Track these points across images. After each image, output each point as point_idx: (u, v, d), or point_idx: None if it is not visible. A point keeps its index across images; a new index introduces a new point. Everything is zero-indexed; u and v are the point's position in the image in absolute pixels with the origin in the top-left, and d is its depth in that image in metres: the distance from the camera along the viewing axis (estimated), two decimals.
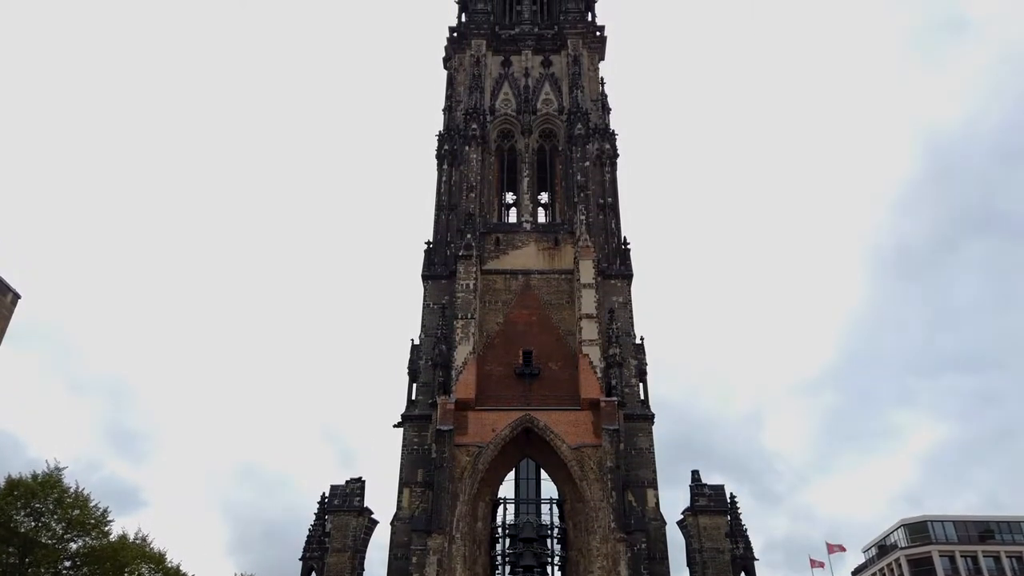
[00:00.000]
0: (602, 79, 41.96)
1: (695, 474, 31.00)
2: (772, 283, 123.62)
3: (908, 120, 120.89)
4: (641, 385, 33.34)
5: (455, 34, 42.86)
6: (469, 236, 35.42)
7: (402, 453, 32.01)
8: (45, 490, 34.68)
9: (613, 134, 39.74)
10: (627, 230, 37.24)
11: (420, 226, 40.23)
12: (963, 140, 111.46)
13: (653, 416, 32.53)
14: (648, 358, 34.04)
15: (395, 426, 32.88)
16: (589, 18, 43.00)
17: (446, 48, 43.24)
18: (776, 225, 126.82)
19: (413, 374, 33.82)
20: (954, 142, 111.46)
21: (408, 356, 34.16)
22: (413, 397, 33.37)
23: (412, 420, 32.60)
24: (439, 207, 37.98)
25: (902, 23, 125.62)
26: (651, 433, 32.23)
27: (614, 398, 31.40)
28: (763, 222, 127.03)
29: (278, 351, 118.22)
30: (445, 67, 43.40)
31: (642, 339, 34.31)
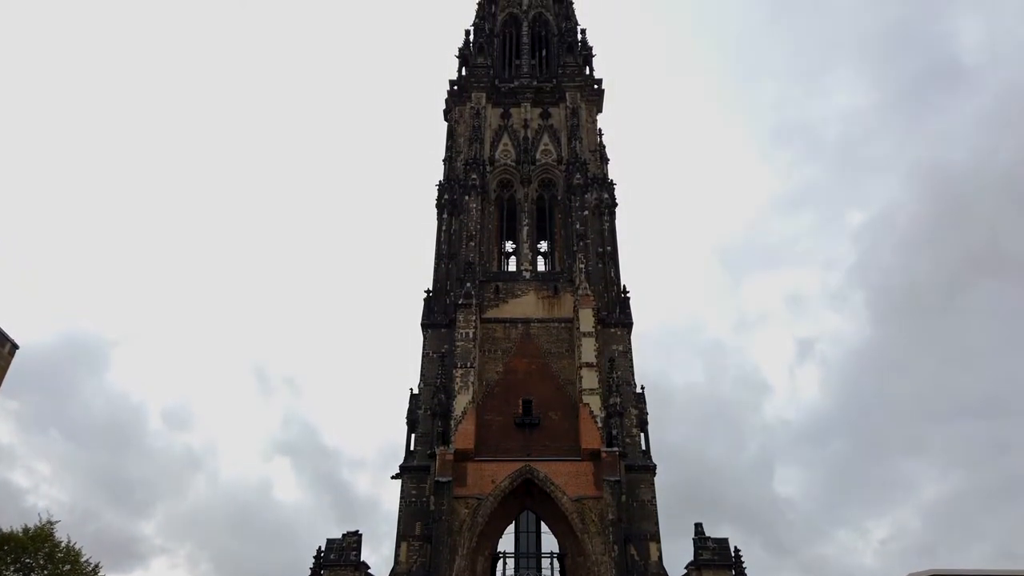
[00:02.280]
0: (600, 130, 42.67)
1: (698, 527, 30.43)
2: (779, 325, 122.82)
3: (913, 160, 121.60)
4: (642, 435, 33.06)
5: (455, 87, 43.75)
6: (469, 285, 35.56)
7: (400, 505, 31.55)
8: (36, 544, 33.99)
9: (611, 184, 40.21)
10: (626, 278, 37.50)
11: (420, 274, 40.46)
12: (971, 180, 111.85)
13: (655, 467, 32.15)
14: (655, 404, 34.06)
15: (393, 477, 32.54)
16: (587, 72, 43.90)
17: (447, 101, 44.10)
18: (781, 268, 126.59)
19: (412, 424, 33.55)
20: (961, 182, 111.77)
21: (407, 405, 33.98)
22: (411, 448, 33.04)
23: (410, 471, 32.22)
24: (439, 256, 38.25)
25: (896, 71, 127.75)
26: (653, 484, 31.81)
27: (615, 448, 31.13)
28: (767, 265, 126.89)
29: (274, 398, 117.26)
30: (446, 119, 44.20)
31: (642, 388, 34.20)
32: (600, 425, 31.54)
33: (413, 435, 33.41)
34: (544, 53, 45.72)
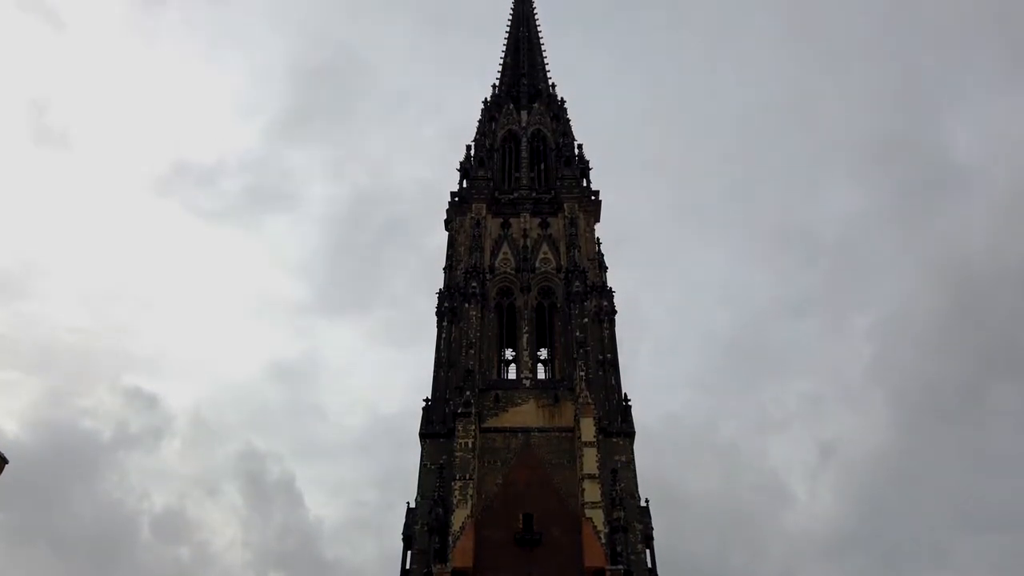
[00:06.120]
0: (598, 239, 43.56)
1: None
2: (796, 429, 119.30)
3: (923, 260, 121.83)
4: (648, 552, 31.86)
5: (456, 199, 45.02)
6: (468, 393, 35.25)
7: None
8: None
9: (611, 291, 40.71)
10: (633, 382, 37.41)
11: (420, 383, 40.20)
12: (985, 279, 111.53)
13: None
14: (670, 511, 32.96)
15: None
16: (584, 184, 45.23)
17: (448, 211, 45.29)
18: (792, 371, 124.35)
19: (408, 540, 32.49)
20: (975, 281, 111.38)
21: (403, 521, 32.98)
22: (407, 566, 31.86)
23: None
24: (438, 364, 38.16)
25: (891, 175, 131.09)
26: None
27: (620, 567, 29.90)
28: (777, 368, 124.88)
29: (271, 507, 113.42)
30: (446, 228, 45.24)
31: (647, 501, 33.23)
32: (603, 541, 30.43)
33: (409, 552, 32.33)
34: (542, 166, 47.29)
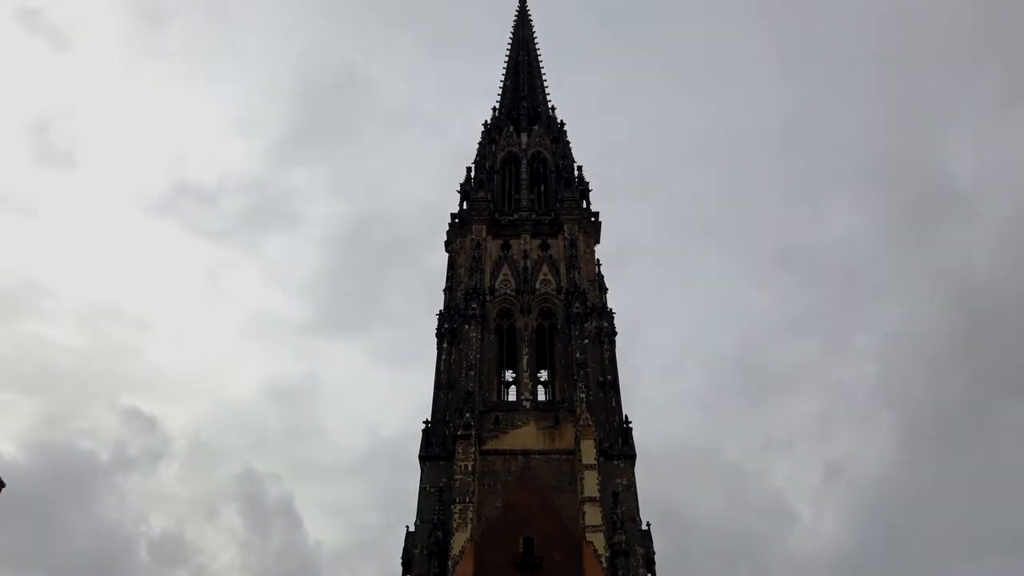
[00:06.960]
0: (598, 261, 43.65)
1: None
2: (800, 450, 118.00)
3: (925, 281, 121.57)
4: None
5: (457, 220, 45.19)
6: (468, 415, 35.13)
7: None
8: None
9: (611, 313, 40.74)
10: (636, 403, 37.18)
11: (420, 405, 40.13)
12: (990, 299, 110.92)
13: None
14: (675, 533, 32.69)
15: None
16: (584, 205, 45.42)
17: (448, 233, 45.42)
18: (795, 391, 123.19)
19: (407, 564, 32.27)
20: (980, 301, 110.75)
21: (402, 544, 32.71)
22: None
23: None
24: (438, 385, 38.12)
25: (892, 197, 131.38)
26: None
27: None
28: (781, 388, 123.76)
29: (270, 528, 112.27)
30: (447, 250, 45.36)
31: (648, 525, 33.02)
32: (604, 565, 30.15)
33: None
34: (542, 188, 47.49)
